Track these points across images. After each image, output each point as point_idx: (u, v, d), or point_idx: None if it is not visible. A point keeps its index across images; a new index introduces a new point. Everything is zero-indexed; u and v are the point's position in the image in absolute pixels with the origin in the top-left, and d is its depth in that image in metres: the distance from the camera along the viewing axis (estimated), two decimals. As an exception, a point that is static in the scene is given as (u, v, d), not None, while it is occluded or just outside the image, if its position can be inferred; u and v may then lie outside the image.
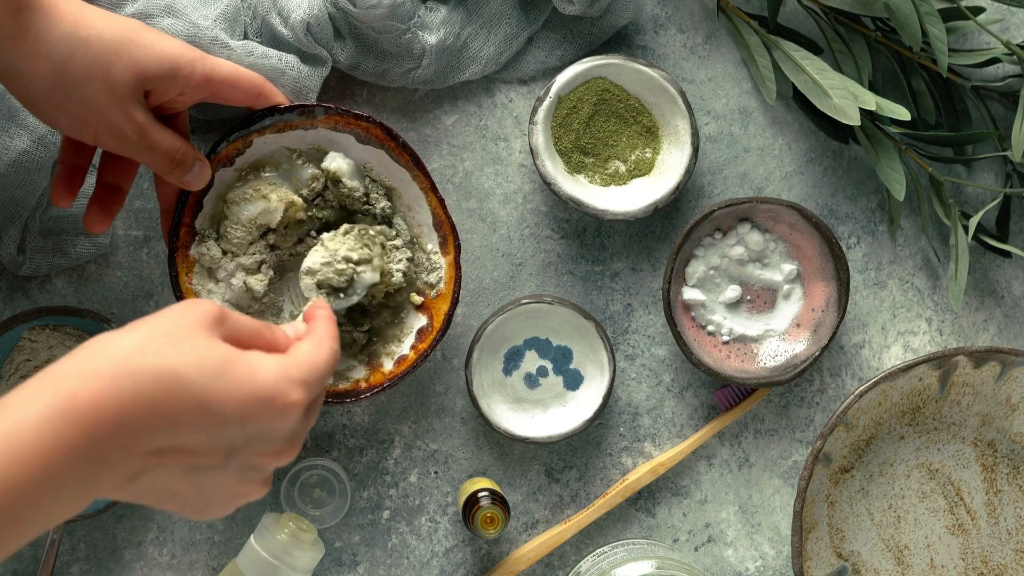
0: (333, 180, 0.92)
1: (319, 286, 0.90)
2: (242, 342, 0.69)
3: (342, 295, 0.90)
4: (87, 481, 0.61)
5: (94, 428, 0.60)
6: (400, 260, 0.93)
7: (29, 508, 0.59)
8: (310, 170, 0.92)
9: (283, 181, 0.92)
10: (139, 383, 0.62)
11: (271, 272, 0.93)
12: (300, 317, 0.80)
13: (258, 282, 0.92)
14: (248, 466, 0.69)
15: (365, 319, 0.94)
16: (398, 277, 0.92)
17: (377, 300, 0.93)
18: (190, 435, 0.64)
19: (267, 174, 0.92)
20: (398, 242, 0.93)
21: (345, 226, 0.91)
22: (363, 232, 0.91)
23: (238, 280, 0.91)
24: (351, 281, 0.90)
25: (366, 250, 0.91)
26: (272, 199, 0.90)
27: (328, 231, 0.92)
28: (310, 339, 0.73)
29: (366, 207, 0.93)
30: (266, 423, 0.67)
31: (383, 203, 0.93)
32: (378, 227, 0.93)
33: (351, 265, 0.90)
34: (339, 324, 0.92)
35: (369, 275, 0.90)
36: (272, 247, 0.92)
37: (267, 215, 0.90)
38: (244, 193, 0.91)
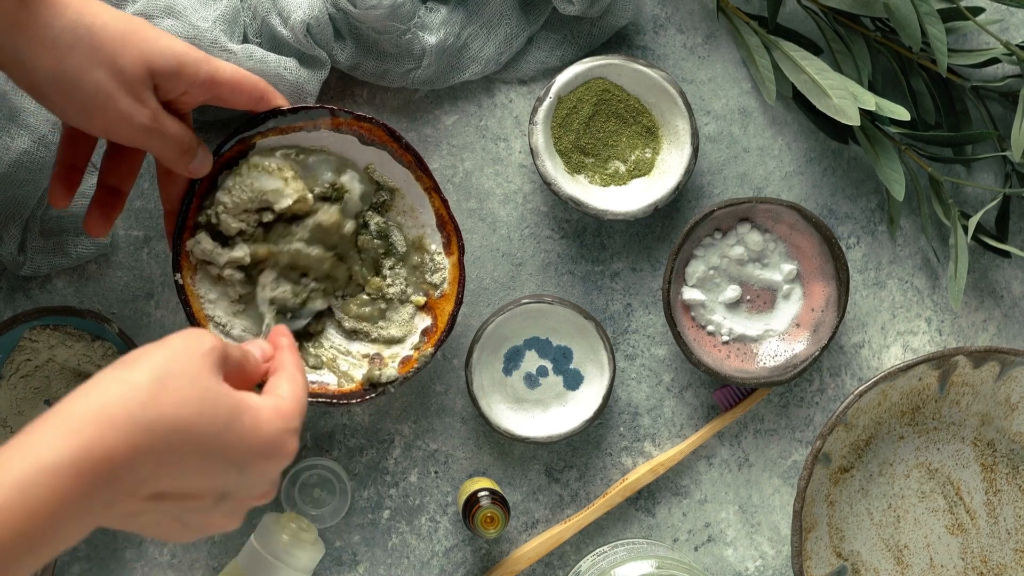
0: (339, 193, 0.92)
1: (272, 302, 0.92)
2: (232, 376, 0.72)
3: (289, 316, 0.93)
4: (86, 522, 0.63)
5: (105, 479, 0.62)
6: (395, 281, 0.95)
7: (30, 550, 0.61)
8: (329, 175, 0.92)
9: (306, 175, 0.92)
10: (153, 437, 0.63)
11: (247, 248, 0.92)
12: (263, 337, 0.85)
13: (240, 250, 0.91)
14: (235, 507, 0.71)
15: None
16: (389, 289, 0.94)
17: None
18: (190, 481, 0.66)
19: (298, 158, 0.92)
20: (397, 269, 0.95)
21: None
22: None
23: (228, 272, 0.91)
24: (304, 304, 0.93)
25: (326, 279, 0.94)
26: (290, 185, 0.90)
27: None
28: (286, 377, 0.76)
29: (363, 225, 0.94)
30: (263, 469, 0.70)
31: (376, 219, 0.93)
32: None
33: (308, 290, 0.93)
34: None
35: (320, 302, 0.93)
36: (261, 224, 0.91)
37: (276, 195, 0.90)
38: (268, 165, 0.90)
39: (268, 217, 0.90)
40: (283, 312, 0.93)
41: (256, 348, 0.79)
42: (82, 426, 0.61)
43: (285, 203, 0.90)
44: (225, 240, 0.91)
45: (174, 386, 0.65)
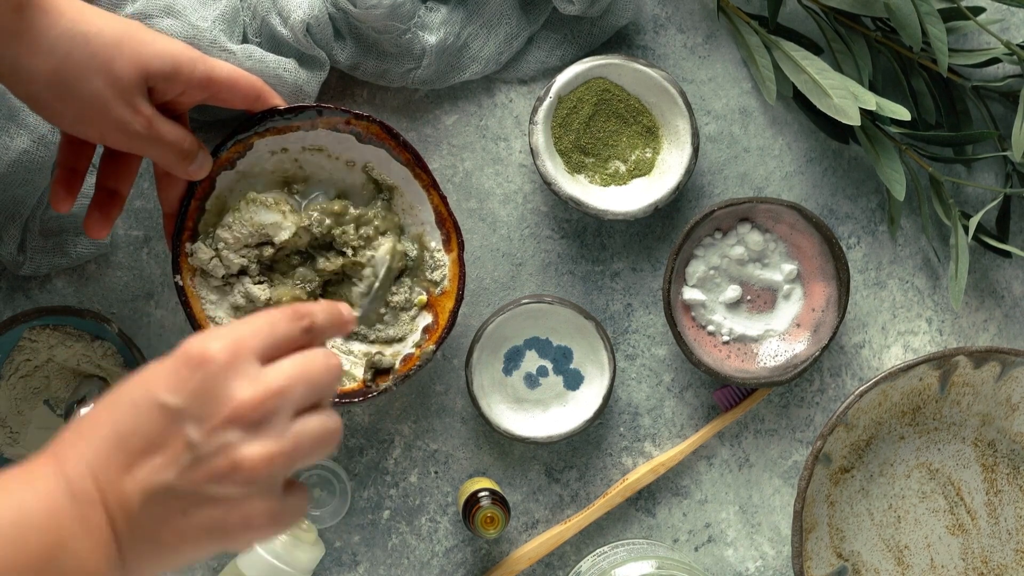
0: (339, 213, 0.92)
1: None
2: None
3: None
4: (111, 542, 0.64)
5: (85, 470, 0.64)
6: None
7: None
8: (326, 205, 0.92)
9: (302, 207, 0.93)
10: (117, 412, 0.65)
11: (264, 283, 0.92)
12: None
13: (262, 292, 0.92)
14: (214, 437, 0.65)
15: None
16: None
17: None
18: (145, 432, 0.64)
19: (293, 192, 0.92)
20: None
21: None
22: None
23: (240, 290, 0.91)
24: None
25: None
26: (288, 218, 0.91)
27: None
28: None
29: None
30: (196, 384, 0.65)
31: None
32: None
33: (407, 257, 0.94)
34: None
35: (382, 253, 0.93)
36: (260, 261, 0.92)
37: (276, 228, 0.90)
38: (265, 199, 0.91)
39: (268, 251, 0.91)
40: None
41: None
42: (55, 448, 0.65)
43: (284, 235, 0.90)
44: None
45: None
